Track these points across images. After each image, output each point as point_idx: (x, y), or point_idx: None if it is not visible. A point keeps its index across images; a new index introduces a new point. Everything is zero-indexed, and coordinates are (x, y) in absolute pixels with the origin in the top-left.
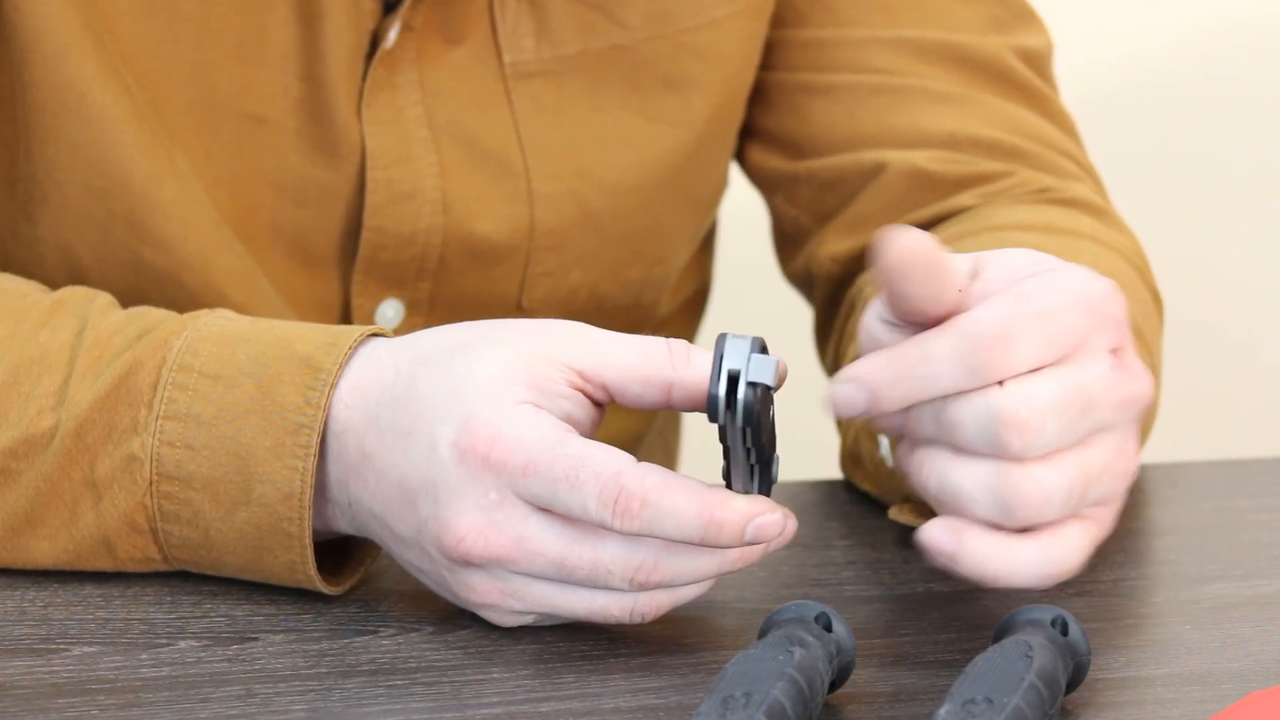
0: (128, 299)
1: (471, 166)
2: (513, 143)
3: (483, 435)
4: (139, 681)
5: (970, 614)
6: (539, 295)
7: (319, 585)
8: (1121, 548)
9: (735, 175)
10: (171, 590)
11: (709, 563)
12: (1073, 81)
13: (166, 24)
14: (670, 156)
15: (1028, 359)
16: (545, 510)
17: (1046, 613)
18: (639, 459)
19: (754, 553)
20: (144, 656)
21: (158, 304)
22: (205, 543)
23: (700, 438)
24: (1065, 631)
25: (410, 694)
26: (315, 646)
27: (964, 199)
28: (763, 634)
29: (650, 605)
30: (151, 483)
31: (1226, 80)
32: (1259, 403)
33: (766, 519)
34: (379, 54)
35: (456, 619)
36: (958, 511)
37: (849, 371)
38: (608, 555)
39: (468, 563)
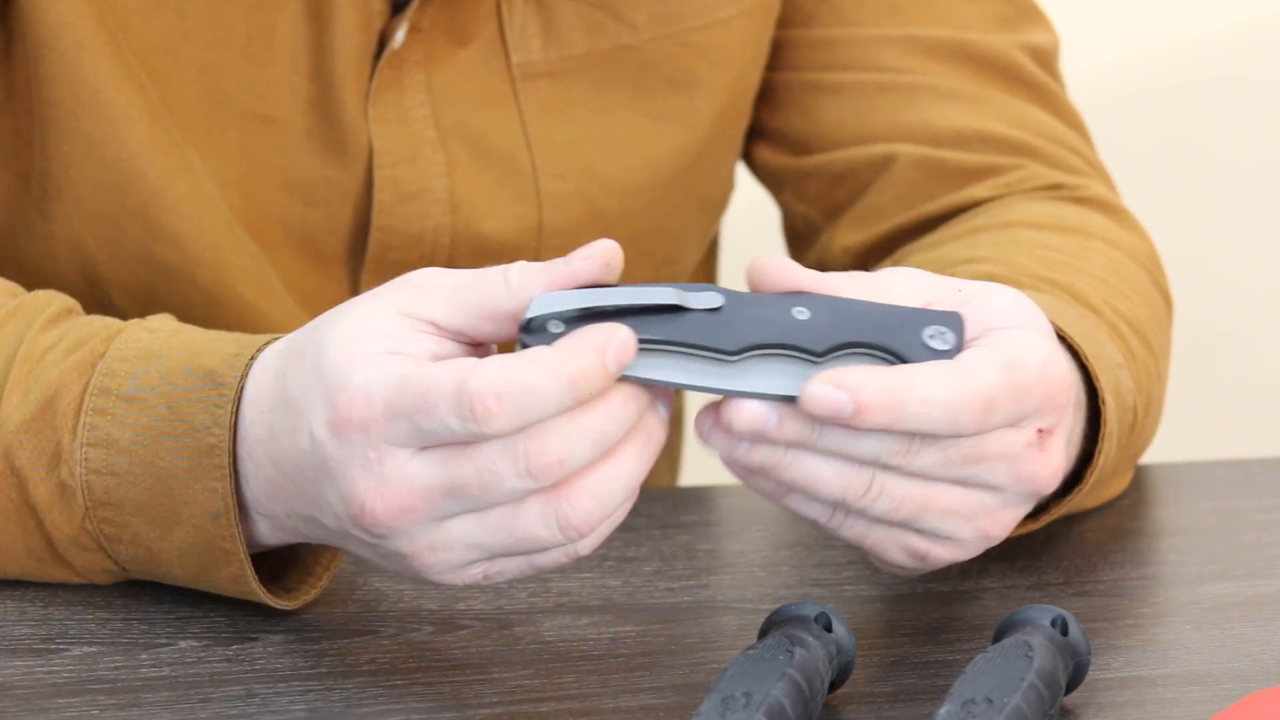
0: (140, 295)
1: (479, 166)
2: (520, 143)
3: (343, 401)
4: (139, 681)
5: (970, 614)
6: None
7: (264, 598)
8: (1121, 548)
9: (739, 177)
10: (171, 590)
11: (595, 422)
12: (1074, 81)
13: (176, 21)
14: (677, 156)
15: (995, 424)
16: (426, 449)
17: (1046, 613)
18: None
19: (646, 418)
20: (144, 656)
21: (170, 301)
22: (151, 558)
23: None
24: (1065, 631)
25: (410, 694)
26: (315, 646)
27: (978, 191)
28: (763, 634)
29: (576, 513)
30: (87, 509)
31: (1228, 81)
32: (1259, 403)
33: (617, 337)
34: (386, 54)
35: (456, 619)
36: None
37: (838, 377)
38: (487, 455)
39: (380, 528)
